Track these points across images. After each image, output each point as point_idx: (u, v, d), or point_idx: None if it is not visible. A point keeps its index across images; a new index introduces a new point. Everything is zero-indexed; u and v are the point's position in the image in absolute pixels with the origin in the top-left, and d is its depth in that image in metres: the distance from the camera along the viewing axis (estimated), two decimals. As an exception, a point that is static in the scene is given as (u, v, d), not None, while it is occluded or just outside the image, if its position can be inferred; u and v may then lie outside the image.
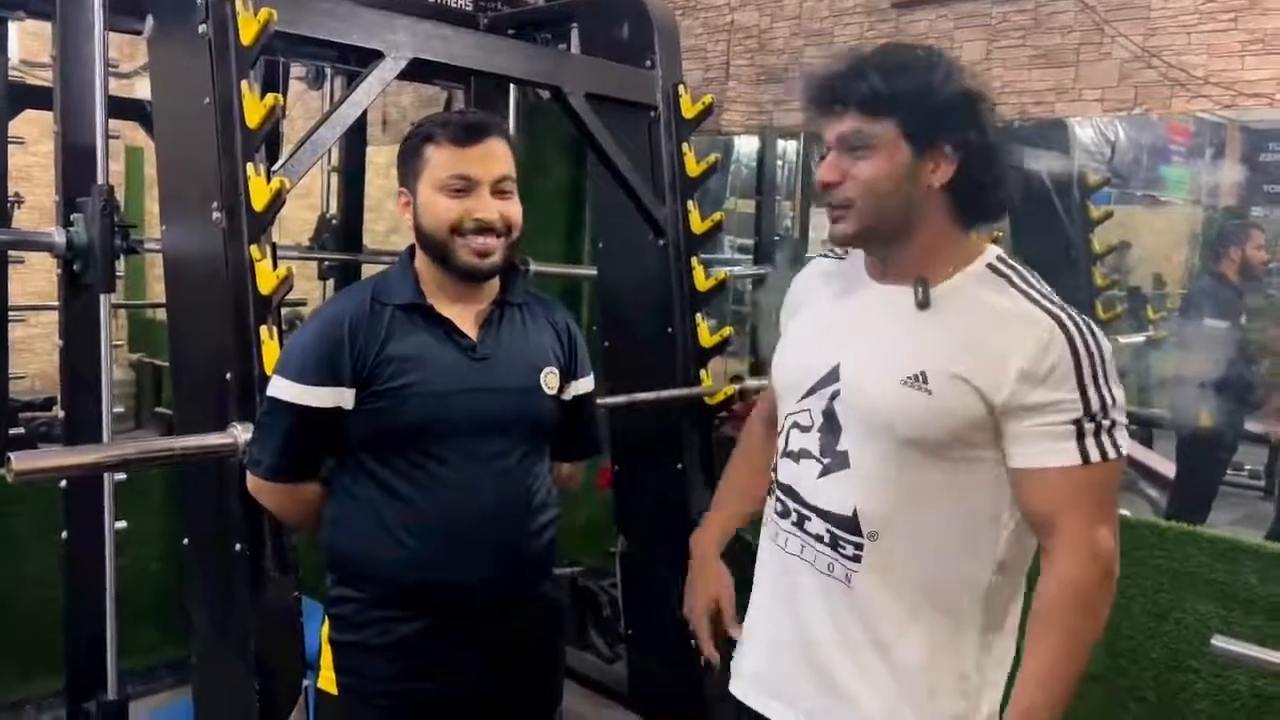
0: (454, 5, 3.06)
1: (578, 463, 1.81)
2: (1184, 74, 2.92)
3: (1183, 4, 2.92)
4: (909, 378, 1.29)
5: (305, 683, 1.79)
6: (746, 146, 4.26)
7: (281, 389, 1.53)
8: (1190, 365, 3.74)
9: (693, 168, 2.62)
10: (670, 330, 2.53)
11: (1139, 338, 4.11)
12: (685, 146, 2.62)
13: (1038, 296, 1.30)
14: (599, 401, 1.85)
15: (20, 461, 1.56)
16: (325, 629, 1.60)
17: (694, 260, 2.59)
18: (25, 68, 4.57)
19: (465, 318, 1.58)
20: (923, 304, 1.32)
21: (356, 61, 3.05)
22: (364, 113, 2.59)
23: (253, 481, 1.61)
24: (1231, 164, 3.65)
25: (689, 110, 2.62)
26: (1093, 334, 1.26)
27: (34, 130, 3.77)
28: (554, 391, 1.64)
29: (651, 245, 2.59)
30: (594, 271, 3.06)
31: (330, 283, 4.14)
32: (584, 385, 1.73)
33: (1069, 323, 1.26)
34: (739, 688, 1.51)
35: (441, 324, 1.56)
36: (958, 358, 1.27)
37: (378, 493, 1.53)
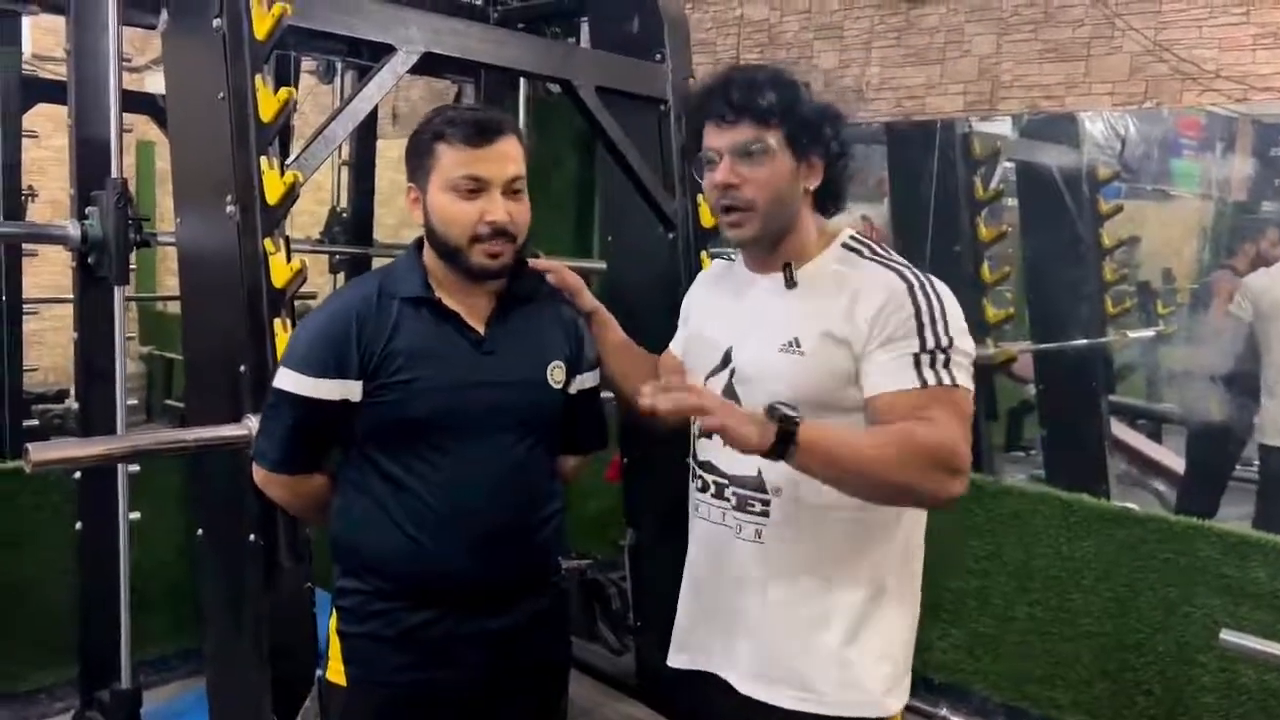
0: (464, -1, 3.07)
1: (582, 455, 1.81)
2: (1195, 68, 2.91)
3: (1194, -3, 2.92)
4: (785, 344, 1.48)
5: (317, 674, 1.80)
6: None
7: (287, 381, 1.53)
8: (1200, 360, 3.74)
9: (702, 162, 2.62)
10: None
11: (1148, 332, 4.11)
12: (695, 140, 2.62)
13: (885, 262, 1.51)
14: (608, 394, 1.86)
15: (38, 452, 1.58)
16: (332, 621, 1.61)
17: (704, 254, 2.59)
18: (37, 62, 4.60)
19: (473, 311, 1.58)
20: (791, 284, 1.53)
21: (368, 55, 3.07)
22: (375, 107, 2.60)
23: (259, 473, 1.61)
24: (1242, 158, 3.64)
25: (699, 104, 2.62)
26: (932, 287, 1.46)
27: (47, 124, 3.79)
28: (560, 385, 1.64)
29: (661, 239, 2.60)
30: (603, 265, 3.06)
31: (341, 276, 4.15)
32: (590, 379, 1.73)
33: (910, 277, 1.46)
34: (676, 659, 1.67)
35: (449, 318, 1.56)
36: (823, 319, 1.46)
37: (383, 485, 1.54)
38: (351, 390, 1.51)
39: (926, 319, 1.42)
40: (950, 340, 1.43)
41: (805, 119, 1.50)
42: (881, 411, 1.42)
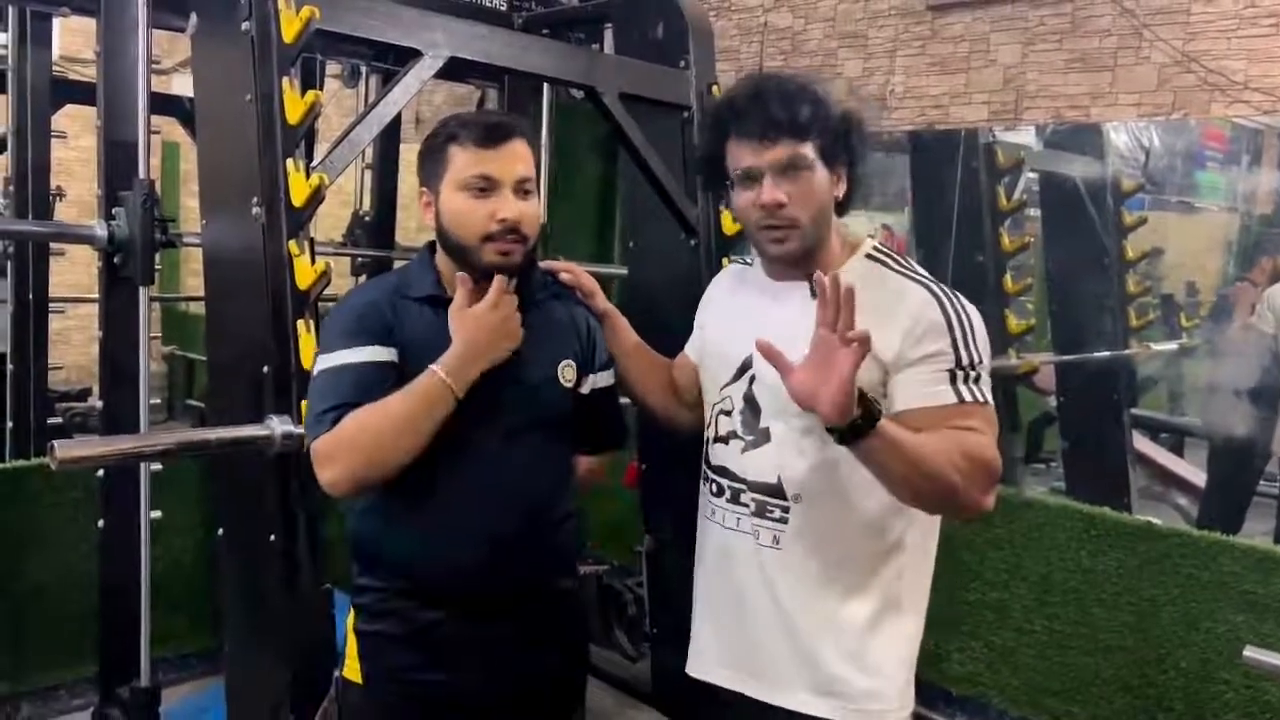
0: (489, 5, 3.08)
1: (600, 455, 1.81)
2: (1223, 79, 2.89)
3: (1223, 9, 2.90)
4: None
5: (335, 674, 1.81)
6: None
7: (328, 360, 1.51)
8: (1223, 373, 3.71)
9: (725, 169, 2.62)
10: (700, 331, 2.54)
11: (1171, 345, 4.08)
12: (718, 147, 2.62)
13: (913, 274, 1.50)
14: (628, 400, 1.86)
15: (63, 450, 1.59)
16: (350, 618, 1.62)
17: (725, 260, 2.59)
18: (66, 63, 4.66)
19: None
20: (816, 294, 1.44)
21: (393, 60, 3.08)
22: (399, 111, 2.62)
23: (316, 447, 1.47)
24: (1269, 170, 3.62)
25: (722, 111, 2.62)
26: (960, 303, 1.46)
27: (75, 125, 3.83)
28: (571, 385, 1.64)
29: (683, 245, 2.59)
30: (625, 271, 3.06)
31: (363, 279, 4.18)
32: (603, 379, 1.73)
33: (940, 293, 1.46)
34: (693, 666, 1.67)
35: None
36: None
37: (394, 483, 1.52)
38: (390, 354, 1.50)
39: (959, 335, 1.43)
40: (980, 358, 1.44)
41: (835, 130, 1.50)
42: (917, 427, 1.41)
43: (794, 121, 1.47)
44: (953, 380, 1.41)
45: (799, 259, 1.53)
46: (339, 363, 1.50)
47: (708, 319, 1.76)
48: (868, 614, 1.50)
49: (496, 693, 1.60)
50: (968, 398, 1.41)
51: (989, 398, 1.44)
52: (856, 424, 1.28)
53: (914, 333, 1.43)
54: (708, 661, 1.64)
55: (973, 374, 1.43)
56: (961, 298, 1.48)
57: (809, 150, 1.48)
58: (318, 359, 1.56)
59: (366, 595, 1.59)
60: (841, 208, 1.57)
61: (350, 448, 1.44)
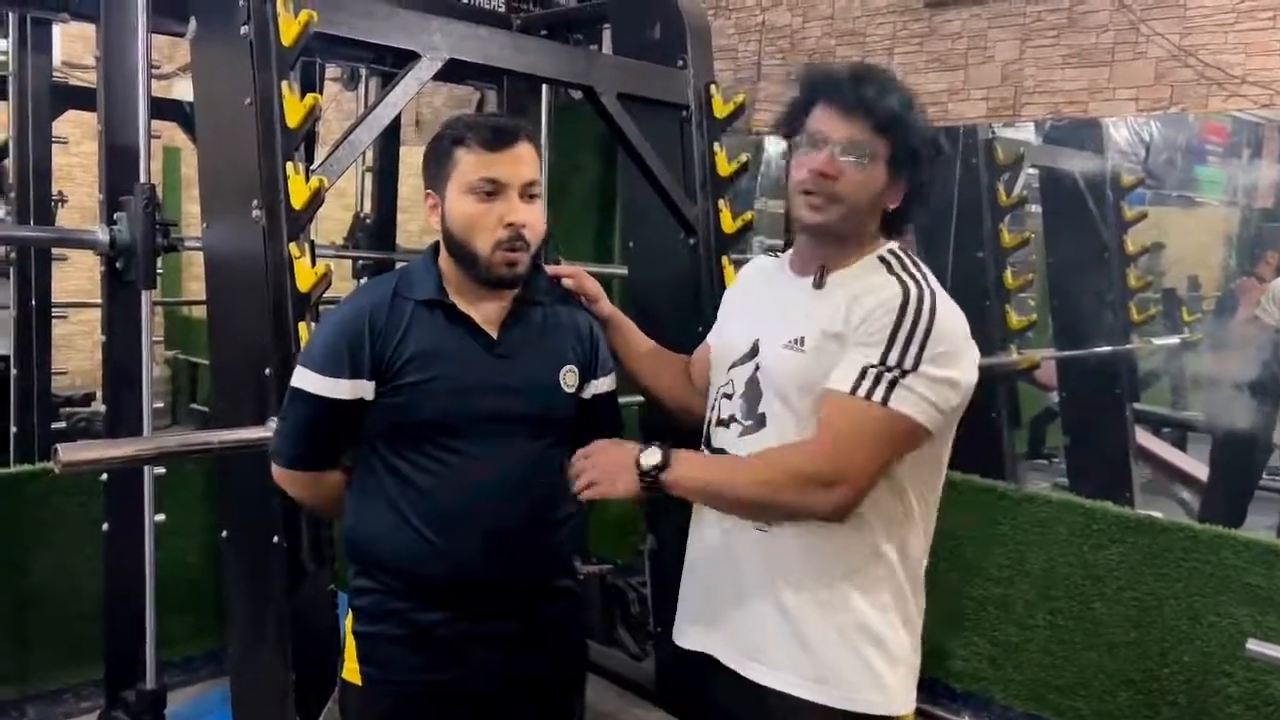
0: (487, 6, 3.09)
1: None
2: (1221, 73, 2.89)
3: (1220, 2, 2.89)
4: (790, 341, 1.50)
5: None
6: (776, 147, 4.27)
7: (305, 380, 1.55)
8: (1225, 367, 3.71)
9: (724, 167, 2.62)
10: (701, 329, 2.53)
11: (1173, 340, 4.08)
12: (716, 146, 2.62)
13: (901, 274, 1.49)
14: (628, 399, 1.86)
15: (67, 453, 1.60)
16: (349, 620, 1.63)
17: (725, 259, 2.60)
18: (67, 69, 4.67)
19: (486, 315, 1.59)
20: (818, 285, 1.53)
21: (392, 62, 3.09)
22: (399, 113, 2.63)
23: (276, 470, 1.64)
24: (1269, 164, 3.61)
25: (720, 110, 2.63)
26: (929, 309, 1.43)
27: (76, 131, 3.85)
28: (573, 390, 1.65)
29: (682, 244, 2.60)
30: (624, 270, 3.07)
31: (364, 281, 4.18)
32: (604, 384, 1.73)
33: (913, 293, 1.44)
34: (681, 638, 1.68)
35: (463, 321, 1.57)
36: (829, 320, 1.47)
37: (395, 485, 1.55)
38: (365, 390, 1.53)
39: (902, 336, 1.41)
40: (915, 365, 1.40)
41: (913, 143, 1.49)
42: (823, 405, 1.45)
43: (880, 110, 1.46)
44: (863, 374, 1.41)
45: (824, 236, 1.53)
46: (308, 389, 1.56)
47: (726, 310, 1.78)
48: (863, 606, 1.50)
49: (496, 692, 1.60)
50: (862, 393, 1.40)
51: (896, 404, 1.40)
52: (643, 492, 1.44)
53: (868, 320, 1.43)
54: (699, 632, 1.64)
55: (890, 375, 1.40)
56: (942, 305, 1.45)
57: (880, 144, 1.47)
58: (298, 364, 1.59)
59: (364, 597, 1.60)
60: (893, 225, 1.56)
61: (295, 494, 1.68)
